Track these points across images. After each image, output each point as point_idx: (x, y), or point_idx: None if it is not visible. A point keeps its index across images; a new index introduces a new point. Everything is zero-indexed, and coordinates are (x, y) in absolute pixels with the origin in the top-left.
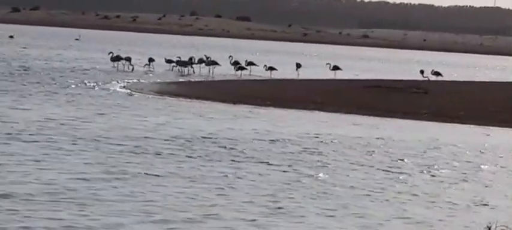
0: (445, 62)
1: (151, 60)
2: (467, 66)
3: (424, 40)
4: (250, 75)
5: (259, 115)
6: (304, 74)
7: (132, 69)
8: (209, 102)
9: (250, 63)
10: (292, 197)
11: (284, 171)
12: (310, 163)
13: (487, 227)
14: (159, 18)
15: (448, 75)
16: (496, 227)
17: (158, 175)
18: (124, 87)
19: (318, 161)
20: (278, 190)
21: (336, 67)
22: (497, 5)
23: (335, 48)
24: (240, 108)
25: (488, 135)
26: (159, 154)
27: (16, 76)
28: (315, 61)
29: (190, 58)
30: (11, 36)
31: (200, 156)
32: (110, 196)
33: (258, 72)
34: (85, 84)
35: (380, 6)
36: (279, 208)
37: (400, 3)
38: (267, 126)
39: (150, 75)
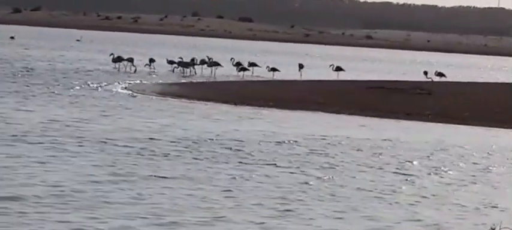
0: (448, 63)
1: (152, 60)
2: (471, 67)
3: (428, 41)
4: (252, 76)
5: (263, 117)
6: (307, 75)
7: (135, 70)
8: (211, 103)
9: (253, 64)
10: (301, 200)
11: (292, 173)
12: (318, 164)
13: (491, 228)
14: (161, 19)
15: (452, 76)
16: (500, 228)
17: (165, 177)
18: (126, 88)
19: (326, 163)
20: (286, 192)
21: (338, 68)
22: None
23: (338, 49)
24: (244, 109)
25: (494, 136)
26: (166, 156)
27: (19, 77)
28: (318, 62)
29: (192, 59)
30: (12, 37)
31: (207, 158)
32: (118, 199)
33: (260, 73)
34: (88, 85)
35: (383, 7)
36: (288, 210)
37: (404, 4)
38: (272, 127)
39: (152, 76)
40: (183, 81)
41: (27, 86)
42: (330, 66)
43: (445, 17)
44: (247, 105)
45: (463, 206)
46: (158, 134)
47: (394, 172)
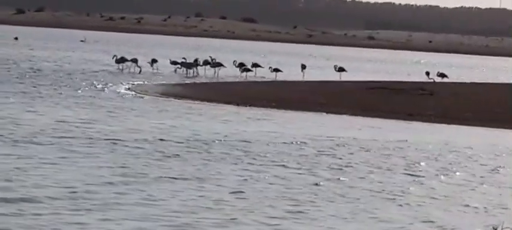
0: (450, 63)
1: (154, 61)
2: (473, 68)
3: (430, 41)
4: (255, 76)
5: (270, 118)
6: (309, 76)
7: (140, 71)
8: (215, 104)
9: (256, 65)
10: (313, 201)
11: (301, 174)
12: (327, 165)
13: (493, 228)
14: (164, 20)
15: (453, 77)
16: (502, 228)
17: (176, 178)
18: (129, 88)
19: (335, 164)
20: (297, 194)
21: (341, 69)
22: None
23: (340, 49)
24: (250, 110)
25: (498, 137)
26: (176, 157)
27: (27, 78)
28: (320, 62)
29: (196, 60)
30: (16, 38)
31: (216, 159)
32: (130, 200)
33: (263, 74)
34: (95, 86)
35: (385, 7)
36: (300, 212)
37: (406, 5)
38: (279, 128)
39: (156, 76)
40: (186, 81)
41: (35, 87)
42: (334, 66)
43: (447, 17)
44: (250, 105)
45: (474, 207)
46: (167, 135)
47: (403, 173)
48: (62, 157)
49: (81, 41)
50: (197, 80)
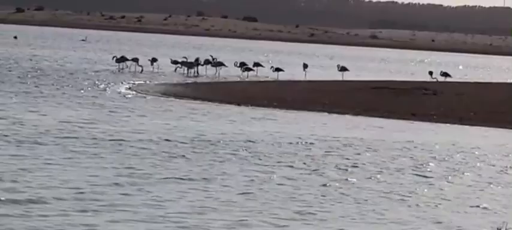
0: (453, 63)
1: (154, 60)
2: (476, 67)
3: (433, 40)
4: (257, 76)
5: (272, 117)
6: (311, 75)
7: (141, 70)
8: (216, 103)
9: (257, 64)
10: (322, 202)
11: (309, 174)
12: (334, 166)
13: (497, 228)
14: (165, 19)
15: (457, 76)
16: (505, 229)
17: (183, 179)
18: (130, 88)
19: (342, 164)
20: (306, 195)
21: (343, 68)
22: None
23: (342, 48)
24: (253, 109)
25: (503, 136)
26: (182, 157)
27: (29, 78)
28: (322, 61)
29: (197, 59)
30: (15, 37)
31: (223, 159)
32: (138, 201)
33: (265, 73)
34: (97, 86)
35: (388, 6)
36: (309, 213)
37: (409, 4)
38: (285, 128)
39: (157, 76)
40: (187, 81)
41: (37, 87)
42: (337, 65)
43: (450, 16)
44: (252, 105)
45: (483, 208)
46: (171, 135)
47: (411, 174)
48: (67, 157)
49: (82, 40)
50: (198, 80)
